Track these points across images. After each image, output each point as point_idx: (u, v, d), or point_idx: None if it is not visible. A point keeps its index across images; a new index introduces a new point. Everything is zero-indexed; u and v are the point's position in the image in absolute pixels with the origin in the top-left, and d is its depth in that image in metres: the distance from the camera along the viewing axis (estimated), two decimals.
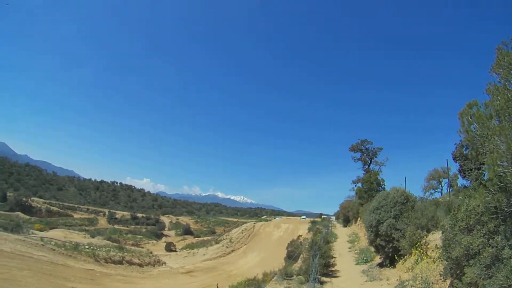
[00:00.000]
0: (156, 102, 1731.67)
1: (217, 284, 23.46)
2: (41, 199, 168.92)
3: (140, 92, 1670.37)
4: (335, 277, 24.99)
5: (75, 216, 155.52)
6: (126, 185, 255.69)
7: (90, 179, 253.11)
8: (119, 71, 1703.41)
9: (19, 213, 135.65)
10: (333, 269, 26.67)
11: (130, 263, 39.38)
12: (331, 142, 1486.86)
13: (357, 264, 28.73)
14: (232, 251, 67.58)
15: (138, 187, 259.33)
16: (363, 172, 69.15)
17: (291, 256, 39.55)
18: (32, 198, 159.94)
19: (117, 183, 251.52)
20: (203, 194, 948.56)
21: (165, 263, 47.17)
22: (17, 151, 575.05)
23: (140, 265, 40.65)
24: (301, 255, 32.95)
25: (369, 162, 69.29)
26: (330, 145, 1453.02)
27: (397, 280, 19.02)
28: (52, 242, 36.58)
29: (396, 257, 22.13)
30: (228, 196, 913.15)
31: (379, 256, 26.19)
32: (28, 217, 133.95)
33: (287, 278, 25.32)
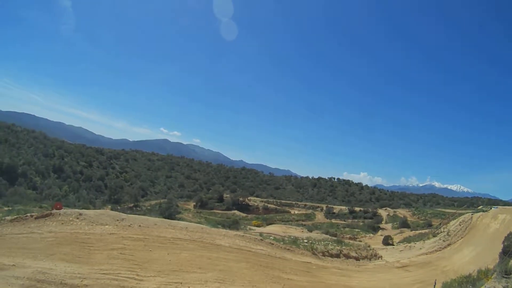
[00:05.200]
0: (359, 99, 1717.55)
1: (435, 280, 22.30)
2: (258, 198, 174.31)
3: (346, 92, 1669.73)
4: None
5: (292, 212, 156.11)
6: (344, 180, 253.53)
7: (307, 177, 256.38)
8: (327, 71, 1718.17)
9: (235, 211, 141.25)
10: None
11: (347, 256, 38.88)
12: None
13: None
14: (448, 245, 64.51)
15: (355, 181, 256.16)
16: None
17: (506, 252, 36.98)
18: (249, 198, 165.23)
19: (334, 178, 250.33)
20: (420, 185, 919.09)
21: (381, 257, 46.02)
22: (232, 158, 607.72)
23: (357, 259, 39.93)
24: None
25: None
26: None
27: None
28: (270, 237, 37.18)
29: None
30: (445, 186, 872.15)
31: None
32: (244, 214, 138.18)
33: (506, 276, 23.50)
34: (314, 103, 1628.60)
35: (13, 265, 16.42)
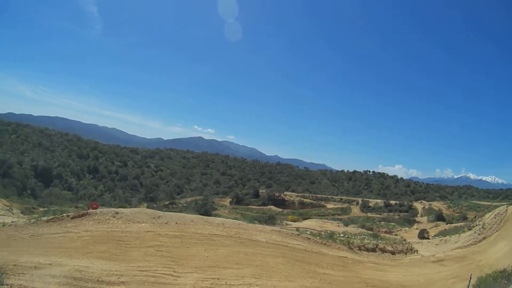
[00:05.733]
0: (391, 92, 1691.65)
1: (471, 275, 21.99)
2: (294, 193, 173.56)
3: (378, 85, 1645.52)
4: None
5: (328, 206, 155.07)
6: (379, 173, 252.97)
7: (342, 171, 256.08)
8: (357, 65, 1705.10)
9: (271, 206, 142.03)
10: None
11: (383, 250, 38.21)
12: None
13: None
14: (484, 238, 62.79)
15: (390, 174, 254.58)
16: None
17: None
18: (284, 193, 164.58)
19: (369, 172, 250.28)
20: (455, 177, 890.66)
21: (416, 251, 45.26)
22: (266, 153, 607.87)
23: (392, 253, 39.21)
24: None
25: None
26: None
27: None
28: (307, 232, 36.74)
29: None
30: (479, 177, 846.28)
31: None
32: (280, 210, 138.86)
33: None
34: (346, 97, 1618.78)
35: (50, 264, 16.73)
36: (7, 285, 12.60)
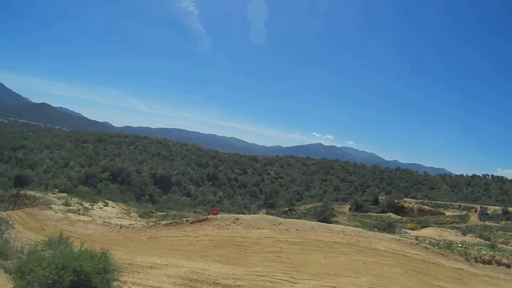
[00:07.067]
0: (492, 96, 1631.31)
1: None
2: (413, 199, 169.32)
3: (480, 89, 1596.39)
4: None
5: (447, 213, 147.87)
6: (498, 176, 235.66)
7: (461, 175, 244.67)
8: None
9: (390, 214, 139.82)
10: None
11: (498, 263, 36.49)
12: None
13: None
14: None
15: (509, 177, 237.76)
16: None
17: None
18: (404, 199, 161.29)
19: (488, 175, 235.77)
20: None
21: None
22: (386, 158, 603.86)
23: (508, 266, 37.59)
24: None
25: None
26: None
27: None
28: (426, 241, 35.90)
29: None
30: None
31: None
32: (399, 217, 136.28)
33: None
34: (457, 101, 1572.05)
35: (166, 264, 17.55)
36: (120, 281, 12.92)
